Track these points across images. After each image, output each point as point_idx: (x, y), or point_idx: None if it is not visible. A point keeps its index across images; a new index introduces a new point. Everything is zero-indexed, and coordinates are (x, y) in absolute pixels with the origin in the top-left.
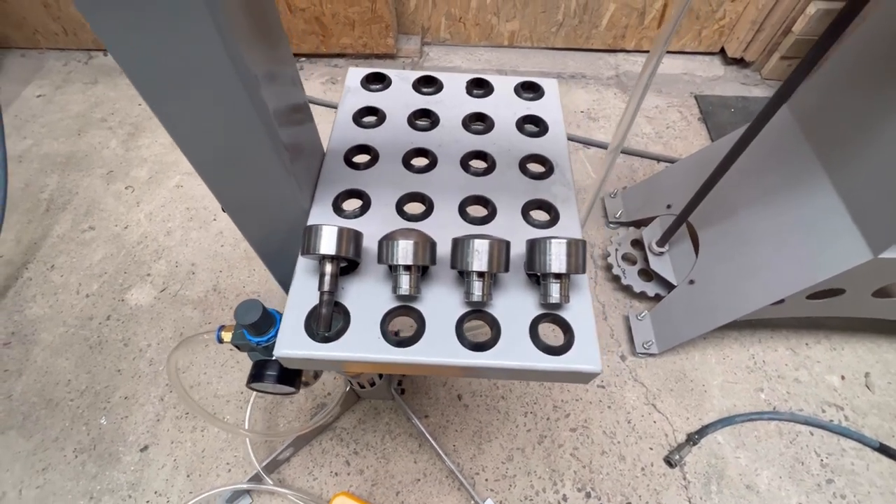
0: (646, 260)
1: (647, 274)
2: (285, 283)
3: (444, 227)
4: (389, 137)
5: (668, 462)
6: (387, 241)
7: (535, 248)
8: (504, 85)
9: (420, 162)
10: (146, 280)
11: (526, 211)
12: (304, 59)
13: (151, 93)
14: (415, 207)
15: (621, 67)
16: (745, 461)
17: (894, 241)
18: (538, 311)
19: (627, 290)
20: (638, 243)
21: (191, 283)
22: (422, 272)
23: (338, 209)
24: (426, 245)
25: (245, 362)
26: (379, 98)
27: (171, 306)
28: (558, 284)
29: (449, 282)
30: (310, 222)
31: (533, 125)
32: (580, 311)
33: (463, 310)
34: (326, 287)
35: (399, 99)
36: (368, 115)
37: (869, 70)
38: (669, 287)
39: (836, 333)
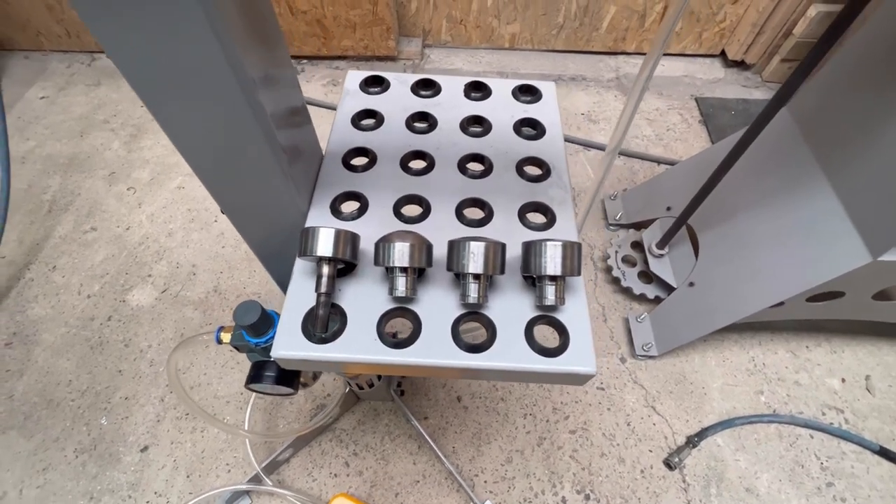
0: (646, 262)
1: (647, 276)
2: (284, 285)
3: (440, 229)
4: (387, 140)
5: (668, 464)
6: (383, 243)
7: (530, 251)
8: (502, 88)
9: (418, 164)
10: (147, 281)
11: (522, 213)
12: (305, 61)
13: (149, 95)
14: (412, 210)
15: (622, 70)
16: (744, 464)
17: (894, 243)
18: (534, 313)
19: (627, 292)
20: (638, 245)
21: (192, 284)
22: (418, 274)
23: (336, 211)
24: (422, 247)
25: (245, 363)
26: (377, 101)
27: (172, 307)
28: (553, 287)
29: (445, 284)
30: (308, 224)
31: (530, 128)
32: (575, 313)
33: (459, 311)
34: (323, 288)
35: (397, 102)
36: (367, 118)
37: (868, 72)
38: (669, 289)
39: (836, 336)
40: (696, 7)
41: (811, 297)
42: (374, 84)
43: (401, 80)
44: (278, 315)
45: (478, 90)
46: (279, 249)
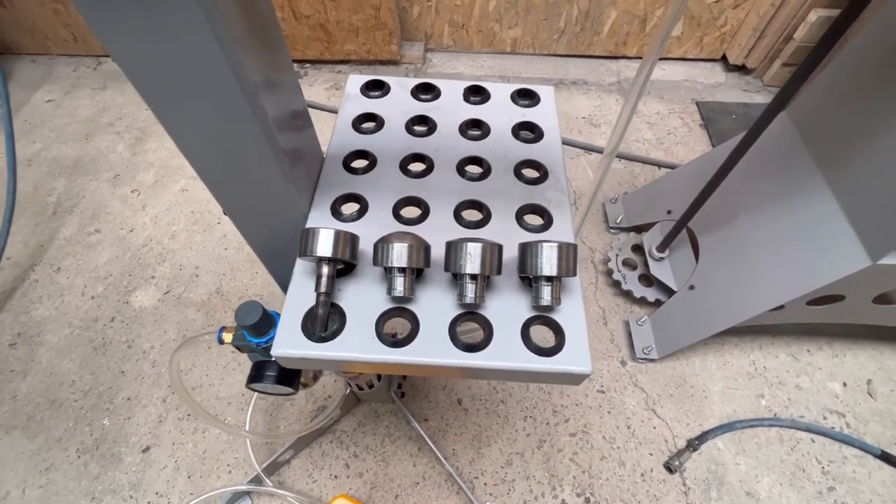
0: (646, 265)
1: (648, 279)
2: (286, 286)
3: (439, 230)
4: (387, 143)
5: (668, 468)
6: (382, 244)
7: (527, 252)
8: (501, 92)
9: (417, 167)
10: (150, 282)
11: (520, 215)
12: (308, 65)
13: (153, 98)
14: (411, 211)
15: (623, 74)
16: (745, 468)
17: (893, 247)
18: (530, 314)
19: (628, 295)
20: (638, 248)
21: (194, 285)
22: (416, 274)
23: (336, 213)
24: (420, 248)
25: (246, 365)
26: (378, 105)
27: (175, 309)
28: (550, 287)
29: (443, 284)
30: (308, 225)
31: (528, 131)
32: (571, 313)
33: (456, 311)
34: (323, 288)
35: (398, 106)
36: (367, 122)
37: (868, 76)
38: (670, 292)
39: (837, 340)
40: (697, 12)
41: (811, 301)
42: (375, 88)
43: (401, 85)
44: (279, 316)
45: (477, 94)
46: (280, 250)
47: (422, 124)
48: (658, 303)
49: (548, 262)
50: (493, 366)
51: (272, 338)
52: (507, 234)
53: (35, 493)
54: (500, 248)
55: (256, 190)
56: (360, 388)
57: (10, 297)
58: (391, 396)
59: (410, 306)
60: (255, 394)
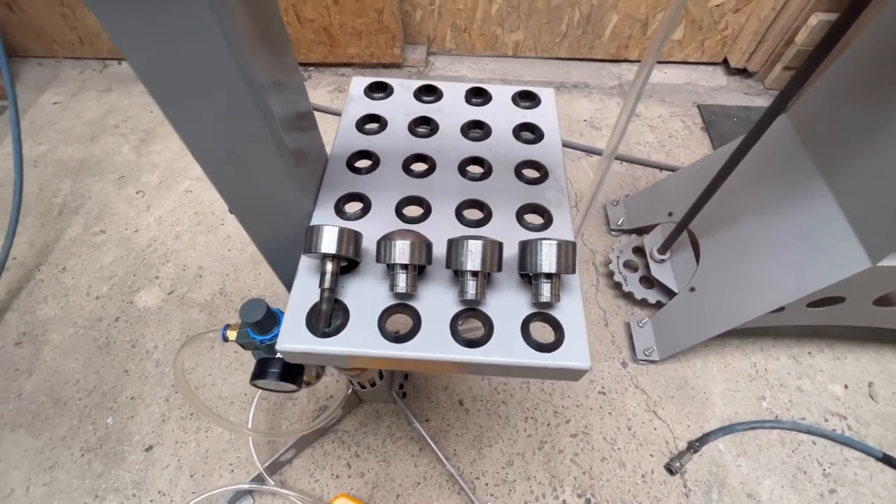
0: (647, 267)
1: (649, 281)
2: (289, 283)
3: (441, 229)
4: (390, 143)
5: (669, 469)
6: (385, 241)
7: (527, 249)
8: (502, 94)
9: (419, 167)
10: (154, 283)
11: (520, 214)
12: (312, 68)
13: (164, 99)
14: (413, 210)
15: (624, 77)
16: (746, 470)
17: (893, 248)
18: (530, 310)
19: (629, 297)
20: (639, 251)
21: (198, 286)
22: (418, 271)
23: (339, 211)
24: (422, 245)
25: (248, 365)
26: (381, 106)
27: (179, 309)
28: (549, 284)
29: (444, 281)
30: (312, 223)
31: (529, 132)
32: (570, 310)
33: (457, 308)
34: (327, 285)
35: (400, 107)
36: (371, 123)
37: (868, 78)
38: (670, 294)
39: (839, 343)
40: (698, 15)
41: (812, 303)
42: (378, 90)
43: (404, 86)
44: (283, 313)
45: (478, 96)
46: (285, 248)
47: (424, 125)
48: (659, 305)
49: (547, 259)
50: (493, 361)
51: (276, 335)
52: (507, 232)
53: (39, 491)
54: (500, 245)
55: (262, 189)
56: (363, 387)
57: (15, 296)
58: (393, 396)
59: (412, 303)
60: (258, 393)
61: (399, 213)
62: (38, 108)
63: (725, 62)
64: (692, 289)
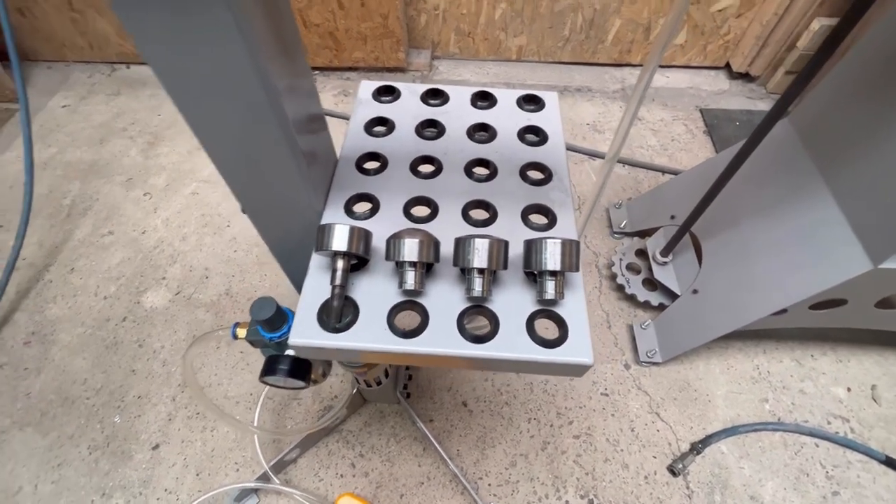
0: (650, 269)
1: (651, 283)
2: (298, 282)
3: (447, 228)
4: (398, 146)
5: (672, 471)
6: (394, 240)
7: (531, 248)
8: (507, 97)
9: (426, 168)
10: (161, 283)
11: (525, 215)
12: (317, 72)
13: (184, 102)
14: (421, 210)
15: (627, 81)
16: (749, 471)
17: (894, 251)
18: (534, 307)
19: (631, 299)
20: (642, 253)
21: (204, 286)
22: (426, 269)
23: (349, 211)
24: (430, 243)
25: (254, 365)
26: (389, 109)
27: (185, 309)
28: (553, 282)
29: (451, 279)
30: (323, 223)
31: (533, 135)
32: (574, 307)
33: (464, 305)
34: (338, 281)
35: (408, 110)
36: (379, 125)
37: (869, 81)
38: (673, 296)
39: (841, 345)
40: (700, 20)
41: (814, 305)
42: (386, 93)
43: (411, 90)
44: (291, 311)
45: (484, 99)
46: (295, 248)
47: (431, 128)
48: (662, 307)
49: (552, 257)
50: (499, 356)
51: (285, 332)
52: (512, 232)
53: (47, 489)
54: (506, 243)
55: (276, 189)
56: (368, 385)
57: (25, 296)
58: (397, 397)
59: (420, 300)
60: (263, 393)
61: (407, 212)
62: (48, 111)
63: (728, 66)
64: (695, 291)
